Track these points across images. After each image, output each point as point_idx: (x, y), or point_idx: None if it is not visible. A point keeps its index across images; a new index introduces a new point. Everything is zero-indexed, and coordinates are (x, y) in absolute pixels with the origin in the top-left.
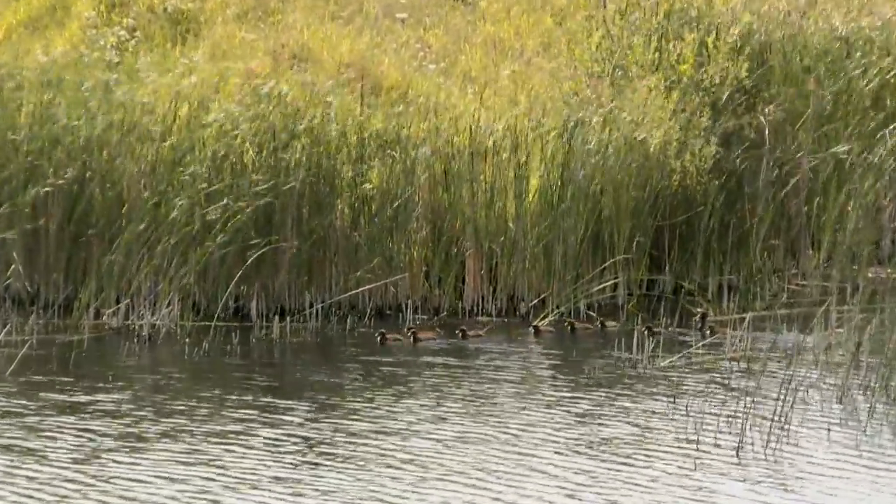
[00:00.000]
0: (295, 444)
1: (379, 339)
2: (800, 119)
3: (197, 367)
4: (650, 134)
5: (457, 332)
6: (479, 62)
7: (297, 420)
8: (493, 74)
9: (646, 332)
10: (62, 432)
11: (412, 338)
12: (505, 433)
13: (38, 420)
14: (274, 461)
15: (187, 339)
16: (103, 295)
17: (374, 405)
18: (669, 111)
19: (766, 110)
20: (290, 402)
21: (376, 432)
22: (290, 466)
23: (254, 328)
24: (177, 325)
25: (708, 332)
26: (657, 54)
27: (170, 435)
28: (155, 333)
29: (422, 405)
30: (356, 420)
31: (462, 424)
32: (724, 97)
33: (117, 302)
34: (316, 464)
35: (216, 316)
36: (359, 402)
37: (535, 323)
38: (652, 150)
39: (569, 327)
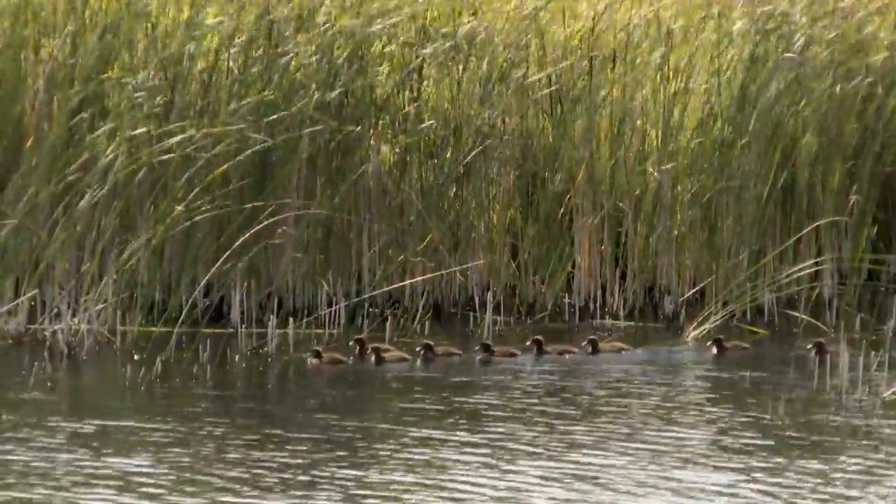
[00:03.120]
0: None
1: (310, 356)
2: None
3: (147, 399)
4: (877, 32)
5: (529, 343)
6: None
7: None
8: None
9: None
10: None
11: (373, 357)
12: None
13: None
14: None
15: (132, 355)
16: None
17: (455, 458)
18: None
19: None
20: (305, 456)
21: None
22: None
23: (238, 337)
24: (115, 333)
25: None
26: None
27: None
28: (78, 345)
29: (536, 459)
30: (439, 483)
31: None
32: None
33: (16, 294)
34: None
35: (179, 319)
36: (425, 450)
37: (691, 331)
38: (879, 56)
39: (714, 342)
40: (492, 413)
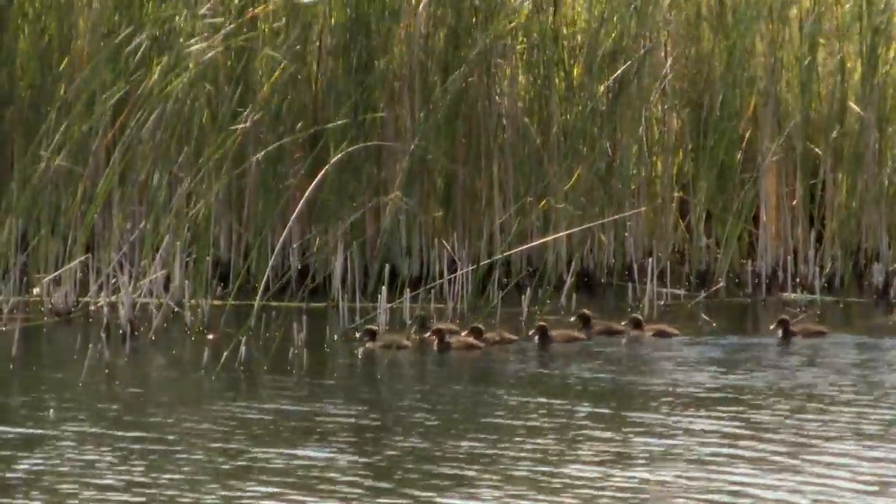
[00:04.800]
0: None
1: (365, 338)
2: None
3: (228, 391)
4: None
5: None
6: None
7: None
8: None
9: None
10: None
11: (437, 341)
12: None
13: None
14: None
15: (204, 335)
16: (33, 249)
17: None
18: None
19: None
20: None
21: None
22: None
23: (339, 313)
24: (183, 306)
25: None
26: None
27: None
28: (141, 322)
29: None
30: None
31: None
32: None
33: (65, 260)
34: None
35: (261, 289)
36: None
37: None
38: None
39: None
40: (739, 398)
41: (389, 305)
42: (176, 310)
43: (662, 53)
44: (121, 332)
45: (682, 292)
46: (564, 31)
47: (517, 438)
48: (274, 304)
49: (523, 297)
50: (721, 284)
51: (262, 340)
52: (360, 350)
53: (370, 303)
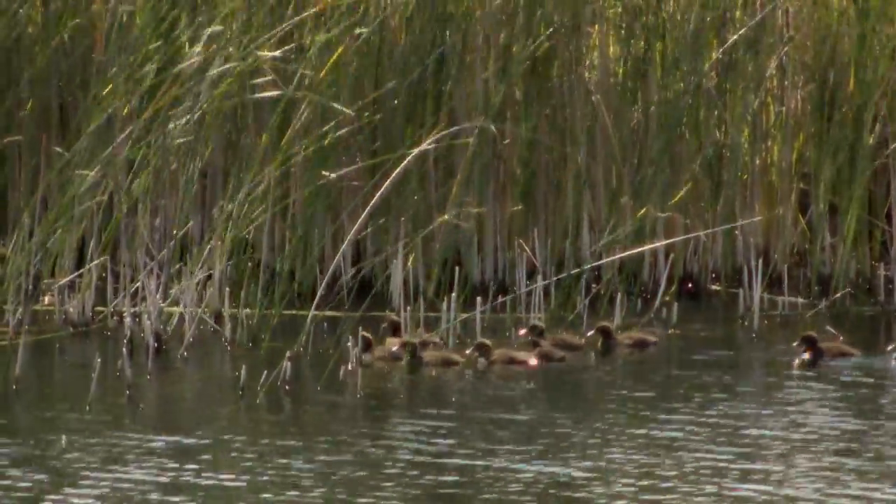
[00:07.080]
0: None
1: (361, 348)
2: None
3: (273, 415)
4: None
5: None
6: None
7: None
8: None
9: None
10: None
11: (410, 355)
12: None
13: None
14: None
15: (248, 350)
16: (49, 249)
17: None
18: None
19: None
20: None
21: None
22: None
23: (402, 325)
24: (223, 316)
25: None
26: None
27: None
28: (173, 336)
29: None
30: None
31: None
32: None
33: (79, 263)
34: None
35: (315, 297)
36: None
37: None
38: None
39: None
40: None
41: (462, 317)
42: (212, 322)
43: (782, 21)
44: (146, 347)
45: (800, 300)
46: None
47: (747, 454)
48: (325, 313)
49: (616, 303)
50: (847, 291)
51: (312, 357)
52: (356, 359)
53: (438, 313)
